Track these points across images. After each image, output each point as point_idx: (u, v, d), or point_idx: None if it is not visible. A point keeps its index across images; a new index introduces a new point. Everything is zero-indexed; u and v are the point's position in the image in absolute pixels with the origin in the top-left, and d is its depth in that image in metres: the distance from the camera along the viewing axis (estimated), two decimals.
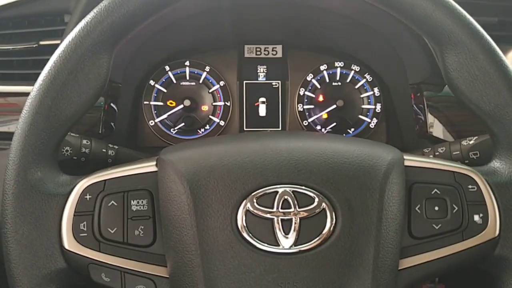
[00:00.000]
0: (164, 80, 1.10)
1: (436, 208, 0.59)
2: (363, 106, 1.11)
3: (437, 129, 0.98)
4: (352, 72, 1.11)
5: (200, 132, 1.11)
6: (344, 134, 1.11)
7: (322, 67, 1.11)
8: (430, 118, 0.99)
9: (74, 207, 0.58)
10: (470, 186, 0.60)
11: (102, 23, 0.58)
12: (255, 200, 0.56)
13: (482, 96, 0.59)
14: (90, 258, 0.57)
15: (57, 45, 0.88)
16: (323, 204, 0.56)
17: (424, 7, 0.59)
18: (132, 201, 0.59)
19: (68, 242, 0.57)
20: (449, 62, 0.60)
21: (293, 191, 0.56)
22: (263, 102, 1.12)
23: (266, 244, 0.55)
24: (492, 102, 0.59)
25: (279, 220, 0.55)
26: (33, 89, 0.58)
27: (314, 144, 0.61)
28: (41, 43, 0.90)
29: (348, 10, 0.97)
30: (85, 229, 0.57)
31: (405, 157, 0.61)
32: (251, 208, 0.56)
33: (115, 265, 0.58)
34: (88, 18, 0.59)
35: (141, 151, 0.94)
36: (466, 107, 0.62)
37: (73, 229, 0.57)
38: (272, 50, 1.13)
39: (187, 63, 1.10)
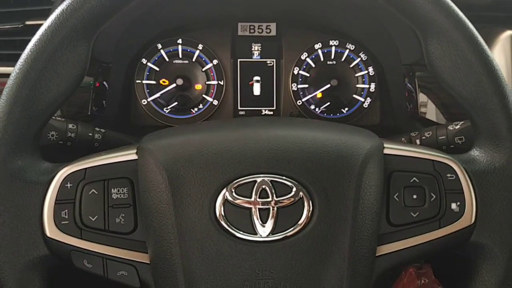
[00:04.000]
0: (156, 59, 1.09)
1: (415, 196, 0.60)
2: (357, 86, 1.11)
3: (430, 111, 0.97)
4: (347, 51, 1.10)
5: (194, 112, 1.10)
6: (338, 114, 1.11)
7: (317, 46, 1.10)
8: (423, 99, 0.98)
9: (55, 195, 0.58)
10: (448, 175, 0.61)
11: (79, 10, 0.57)
12: (233, 190, 0.56)
13: (463, 85, 0.59)
14: (72, 245, 0.58)
15: None
16: (301, 193, 0.56)
17: None
18: (112, 189, 0.59)
19: (50, 229, 0.58)
20: (432, 50, 0.60)
21: (271, 181, 0.57)
22: (257, 81, 1.11)
23: (243, 233, 0.56)
24: (473, 91, 0.59)
25: (257, 209, 0.56)
26: (10, 78, 0.57)
27: (294, 133, 0.61)
28: (27, 23, 0.89)
29: None
30: (66, 217, 0.58)
31: (385, 145, 0.61)
32: (229, 198, 0.56)
33: (96, 251, 0.58)
34: (64, 5, 0.58)
35: (134, 131, 0.95)
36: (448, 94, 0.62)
37: (54, 217, 0.58)
38: (266, 28, 1.11)
39: (179, 41, 1.09)
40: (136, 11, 0.90)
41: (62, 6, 0.57)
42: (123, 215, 0.59)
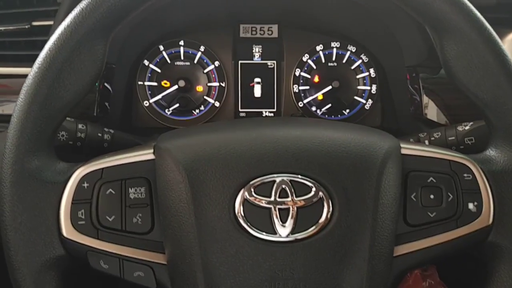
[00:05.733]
0: (158, 60, 1.09)
1: (432, 196, 0.60)
2: (359, 87, 1.11)
3: (432, 112, 0.98)
4: (348, 52, 1.10)
5: (195, 113, 1.10)
6: (339, 115, 1.11)
7: (318, 48, 1.10)
8: (425, 100, 0.99)
9: (72, 195, 0.58)
10: (465, 175, 0.61)
11: (97, 9, 0.57)
12: (252, 189, 0.56)
13: (480, 86, 0.59)
14: (89, 246, 0.58)
15: (49, 26, 0.88)
16: (320, 193, 0.56)
17: None
18: (130, 189, 0.59)
19: (67, 230, 0.57)
20: (448, 50, 0.60)
21: (290, 180, 0.56)
22: (258, 83, 1.11)
23: (263, 233, 0.56)
24: (490, 92, 0.59)
25: (277, 209, 0.56)
26: (28, 77, 0.57)
27: (312, 132, 0.61)
28: (34, 23, 0.89)
29: None
30: (83, 217, 0.58)
31: (402, 145, 0.62)
32: (249, 197, 0.56)
33: (113, 252, 0.58)
34: (83, 4, 0.57)
35: (136, 132, 0.94)
36: (463, 95, 0.62)
37: (71, 217, 0.57)
38: (268, 30, 1.11)
39: (181, 42, 1.09)
40: (141, 12, 0.89)
41: (81, 5, 0.57)
42: (140, 215, 0.58)
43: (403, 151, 0.61)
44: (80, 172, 0.59)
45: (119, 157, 0.60)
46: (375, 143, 0.60)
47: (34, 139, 0.57)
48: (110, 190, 0.58)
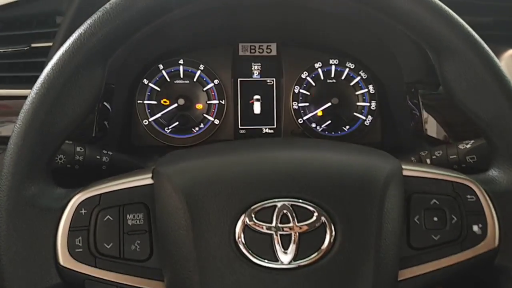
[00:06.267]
0: (157, 79, 1.08)
1: (435, 219, 0.59)
2: (358, 104, 1.11)
3: (432, 128, 0.97)
4: (347, 69, 1.10)
5: (195, 131, 1.10)
6: (339, 132, 1.11)
7: (317, 65, 1.10)
8: (424, 115, 0.99)
9: (69, 222, 0.57)
10: (469, 196, 0.60)
11: (95, 34, 0.57)
12: (253, 215, 0.55)
13: (480, 105, 0.59)
14: (86, 274, 0.57)
15: (48, 48, 0.88)
16: (323, 218, 0.55)
17: (422, 15, 0.58)
18: (128, 215, 0.58)
19: (63, 258, 0.56)
20: (447, 70, 0.60)
21: (292, 205, 0.55)
22: (257, 100, 1.11)
23: (265, 260, 0.55)
24: (491, 112, 0.59)
25: (278, 235, 0.55)
26: (26, 102, 0.57)
27: (312, 155, 0.60)
28: (33, 45, 0.89)
29: (342, 11, 0.96)
30: (80, 244, 0.57)
31: (403, 166, 0.61)
32: (249, 223, 0.55)
33: (111, 280, 0.57)
34: (81, 29, 0.57)
35: (135, 151, 0.94)
36: (463, 114, 0.62)
37: (68, 244, 0.56)
38: (267, 48, 1.12)
39: (181, 61, 1.09)
40: (140, 32, 0.89)
41: (80, 30, 0.57)
42: (139, 241, 0.57)
43: (405, 173, 0.60)
44: (77, 199, 0.58)
45: (117, 182, 0.59)
46: (376, 165, 0.59)
47: (30, 165, 0.56)
48: (108, 216, 0.57)
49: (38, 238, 0.56)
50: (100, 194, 0.58)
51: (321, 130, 1.11)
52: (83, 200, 0.58)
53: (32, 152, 0.56)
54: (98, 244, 0.57)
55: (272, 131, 1.12)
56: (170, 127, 1.09)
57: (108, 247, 0.57)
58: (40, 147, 0.57)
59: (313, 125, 1.11)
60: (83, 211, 0.57)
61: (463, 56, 0.58)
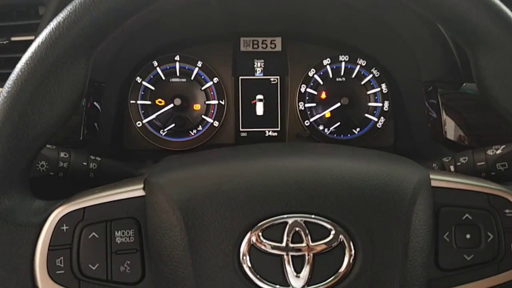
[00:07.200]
0: (152, 77, 1.07)
1: (468, 236, 0.54)
2: (370, 104, 1.08)
3: (450, 131, 0.91)
4: (358, 66, 1.07)
5: (192, 134, 1.07)
6: (348, 135, 1.08)
7: (325, 62, 1.08)
8: (443, 117, 0.92)
9: (49, 239, 0.52)
10: (507, 210, 0.55)
11: (77, 23, 0.51)
12: (260, 233, 0.50)
13: None
14: None
15: (30, 41, 0.80)
16: (341, 236, 0.51)
17: (457, 2, 0.52)
18: (116, 232, 0.53)
19: (42, 281, 0.52)
20: (484, 66, 0.55)
21: (305, 222, 0.51)
22: (260, 100, 1.08)
23: (273, 285, 0.50)
24: None
25: (290, 256, 0.50)
26: None
27: (328, 163, 0.55)
28: (13, 39, 0.84)
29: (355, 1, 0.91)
30: (62, 265, 0.52)
31: (431, 176, 0.56)
32: (256, 243, 0.50)
33: None
34: (61, 16, 0.51)
35: (127, 156, 0.90)
36: (501, 117, 0.56)
37: (48, 265, 0.52)
38: (271, 43, 1.09)
39: (177, 57, 1.06)
40: (132, 25, 0.84)
41: (59, 18, 0.51)
42: (129, 262, 0.53)
43: (433, 183, 0.56)
44: (58, 213, 0.53)
45: (104, 194, 0.55)
46: (402, 175, 0.54)
47: (3, 175, 0.52)
48: (93, 233, 0.53)
49: (13, 258, 0.52)
50: (84, 208, 0.54)
51: (329, 133, 1.08)
52: (65, 214, 0.53)
53: (5, 160, 0.51)
54: (82, 265, 0.53)
55: (276, 134, 1.09)
56: (165, 130, 1.06)
57: (94, 268, 0.53)
58: (14, 154, 0.52)
59: (321, 127, 1.08)
60: (64, 227, 0.53)
61: (504, 50, 0.53)
